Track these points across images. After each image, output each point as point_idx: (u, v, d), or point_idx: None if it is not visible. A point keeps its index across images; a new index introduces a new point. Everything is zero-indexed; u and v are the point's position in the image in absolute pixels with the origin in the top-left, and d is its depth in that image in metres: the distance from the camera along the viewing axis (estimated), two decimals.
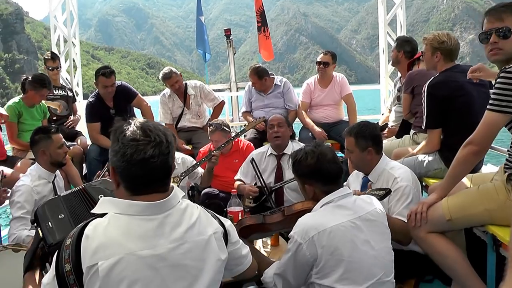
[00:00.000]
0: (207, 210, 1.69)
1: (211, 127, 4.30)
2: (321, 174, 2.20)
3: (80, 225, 1.46)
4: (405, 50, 4.60)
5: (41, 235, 1.76)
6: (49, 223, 1.76)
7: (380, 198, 2.49)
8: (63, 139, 3.54)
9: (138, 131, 1.47)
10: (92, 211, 1.52)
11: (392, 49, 4.80)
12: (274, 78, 5.51)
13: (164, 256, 1.45)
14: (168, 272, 1.45)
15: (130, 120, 1.53)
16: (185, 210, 1.56)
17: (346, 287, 2.00)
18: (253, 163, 3.85)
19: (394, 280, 2.18)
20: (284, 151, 3.91)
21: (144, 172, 1.46)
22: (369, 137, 2.91)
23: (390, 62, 5.10)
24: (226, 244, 1.67)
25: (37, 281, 1.69)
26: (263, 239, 3.09)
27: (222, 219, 1.72)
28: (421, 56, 4.08)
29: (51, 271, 1.44)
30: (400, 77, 4.81)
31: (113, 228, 1.42)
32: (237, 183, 3.99)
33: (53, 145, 3.39)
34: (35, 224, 1.84)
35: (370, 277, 2.04)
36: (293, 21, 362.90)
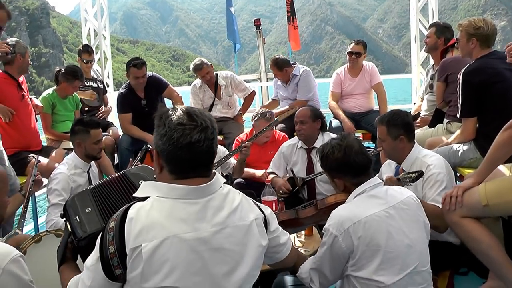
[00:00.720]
0: (248, 197, 1.70)
1: (257, 116, 4.38)
2: (349, 166, 2.18)
3: (122, 208, 1.49)
4: (446, 37, 4.49)
5: (69, 229, 1.78)
6: (77, 217, 1.78)
7: (413, 180, 2.48)
8: (101, 135, 3.57)
9: (184, 115, 1.49)
10: (134, 195, 1.55)
11: (428, 35, 4.66)
12: (295, 68, 5.46)
13: (206, 240, 1.46)
14: (209, 256, 1.47)
15: (176, 106, 1.55)
16: (227, 195, 1.57)
17: (382, 278, 1.98)
18: (292, 171, 3.80)
19: (430, 270, 2.15)
20: (314, 145, 3.87)
21: (189, 156, 1.48)
22: (401, 125, 2.89)
23: (424, 49, 4.97)
24: (266, 231, 1.67)
25: (71, 272, 1.72)
26: None
27: (263, 207, 1.73)
28: (456, 43, 3.98)
29: (95, 253, 1.47)
30: (433, 65, 4.71)
31: (156, 211, 1.44)
32: (271, 176, 3.99)
33: (90, 140, 3.43)
34: (64, 219, 1.86)
35: (406, 267, 2.01)
36: (318, 11, 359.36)
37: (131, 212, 1.44)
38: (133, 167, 3.23)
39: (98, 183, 2.01)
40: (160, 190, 1.50)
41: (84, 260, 1.71)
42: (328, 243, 2.04)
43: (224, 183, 1.62)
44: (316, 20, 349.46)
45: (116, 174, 2.00)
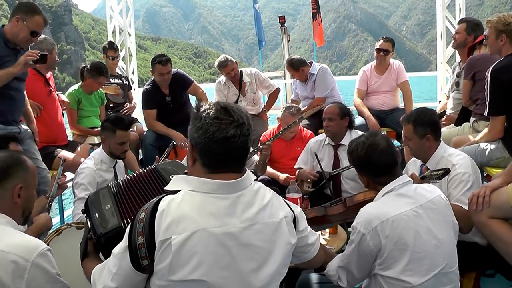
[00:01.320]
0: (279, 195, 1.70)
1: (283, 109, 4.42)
2: (369, 166, 2.19)
3: (153, 199, 1.50)
4: (476, 34, 4.39)
5: (89, 226, 1.80)
6: (96, 214, 1.80)
7: (439, 178, 2.46)
8: (128, 138, 3.60)
9: (222, 110, 1.51)
10: (165, 188, 1.56)
11: (457, 31, 4.56)
12: (312, 66, 5.43)
13: (235, 235, 1.47)
14: (238, 251, 1.47)
15: (215, 101, 1.57)
16: (257, 192, 1.58)
17: (409, 278, 1.97)
18: (317, 157, 3.82)
19: (458, 272, 2.12)
20: (342, 142, 3.87)
21: (224, 151, 1.50)
22: (427, 123, 2.85)
23: (452, 45, 4.85)
24: (295, 230, 1.67)
25: (94, 263, 1.73)
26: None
27: (292, 205, 1.72)
28: (484, 40, 3.90)
29: (124, 242, 1.49)
30: (460, 62, 4.63)
31: (187, 204, 1.46)
32: (298, 171, 4.01)
33: (114, 139, 3.46)
34: (85, 214, 1.89)
35: (434, 268, 2.00)
36: (341, 7, 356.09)
37: (162, 205, 1.46)
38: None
39: (125, 179, 2.03)
40: (191, 184, 1.51)
41: (104, 256, 1.73)
42: (356, 241, 2.04)
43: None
44: (339, 17, 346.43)
45: (147, 168, 2.02)
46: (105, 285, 1.51)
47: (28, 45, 3.52)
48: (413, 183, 2.22)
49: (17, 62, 3.30)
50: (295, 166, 4.11)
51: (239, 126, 1.50)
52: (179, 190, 1.51)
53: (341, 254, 2.17)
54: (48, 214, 3.08)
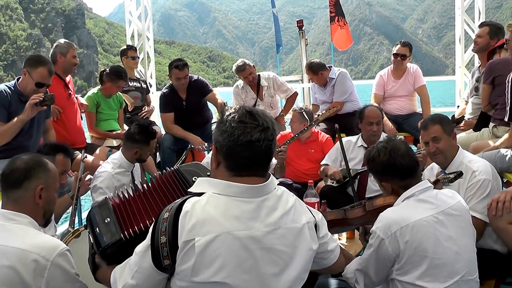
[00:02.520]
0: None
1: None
2: (395, 169, 2.15)
3: (177, 200, 1.52)
4: (499, 38, 4.34)
5: (91, 241, 1.80)
6: (97, 228, 1.79)
7: (451, 181, 2.44)
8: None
9: (247, 114, 1.53)
10: (189, 190, 1.58)
11: (479, 35, 4.50)
12: (331, 71, 5.41)
13: (259, 239, 1.48)
14: (260, 255, 1.48)
15: (240, 105, 1.60)
16: (281, 197, 1.59)
17: (428, 284, 1.96)
18: (343, 152, 3.74)
19: (478, 280, 2.10)
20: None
21: (248, 154, 1.51)
22: (450, 121, 2.91)
23: (472, 49, 4.80)
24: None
25: (109, 271, 1.72)
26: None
27: (314, 211, 1.73)
28: (505, 44, 3.86)
29: (146, 240, 1.51)
30: (479, 67, 4.58)
31: (211, 206, 1.47)
32: (323, 167, 4.01)
33: (147, 149, 3.54)
34: (88, 230, 1.88)
35: (453, 275, 1.98)
36: (357, 11, 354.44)
37: (187, 206, 1.47)
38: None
39: (139, 183, 2.00)
40: (216, 187, 1.52)
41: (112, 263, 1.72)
42: (375, 246, 2.03)
43: None
44: (354, 20, 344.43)
45: (169, 170, 2.02)
46: (126, 282, 1.53)
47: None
48: None
49: (24, 109, 3.42)
50: (322, 163, 4.09)
51: (264, 130, 1.52)
52: (203, 192, 1.52)
53: (359, 257, 2.17)
54: (75, 214, 3.14)
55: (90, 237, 1.82)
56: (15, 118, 3.45)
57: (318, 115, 4.55)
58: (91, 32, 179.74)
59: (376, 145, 2.26)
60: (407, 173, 2.15)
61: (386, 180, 2.23)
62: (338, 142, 3.99)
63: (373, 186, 3.73)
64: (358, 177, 3.82)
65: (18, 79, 3.63)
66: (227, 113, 1.55)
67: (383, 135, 3.85)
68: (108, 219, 1.81)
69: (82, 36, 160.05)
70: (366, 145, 3.90)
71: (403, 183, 2.15)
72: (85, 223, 2.21)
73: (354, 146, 3.98)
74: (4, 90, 3.53)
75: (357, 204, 2.56)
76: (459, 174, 2.44)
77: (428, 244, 1.96)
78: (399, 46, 5.25)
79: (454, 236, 2.02)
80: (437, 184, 2.47)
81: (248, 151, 1.51)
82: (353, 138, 4.06)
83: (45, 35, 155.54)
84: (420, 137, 3.02)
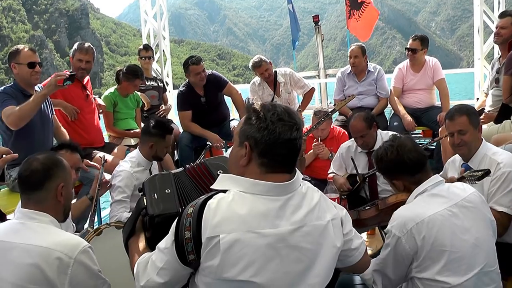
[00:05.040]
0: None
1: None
2: (405, 165, 2.16)
3: (203, 196, 1.52)
4: None
5: (144, 204, 1.81)
6: (155, 194, 1.81)
7: (478, 179, 2.39)
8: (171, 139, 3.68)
9: (285, 113, 1.55)
10: (212, 187, 1.58)
11: (503, 26, 4.41)
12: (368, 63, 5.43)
13: (285, 237, 1.48)
14: (287, 253, 1.48)
15: (274, 103, 1.60)
16: (306, 194, 1.58)
17: (447, 279, 1.94)
18: (352, 159, 3.78)
19: (499, 271, 2.07)
20: (374, 148, 3.78)
21: (286, 151, 1.53)
22: (476, 113, 2.86)
23: (495, 40, 4.68)
24: None
25: (141, 247, 1.76)
26: None
27: (338, 207, 1.73)
28: None
29: (170, 236, 1.51)
30: (499, 58, 4.51)
31: (238, 204, 1.47)
32: (331, 175, 3.98)
33: (163, 144, 3.52)
34: (141, 193, 1.89)
35: (473, 267, 1.96)
36: None
37: (212, 202, 1.47)
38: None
39: (181, 169, 2.02)
40: (242, 185, 1.52)
41: (151, 237, 1.75)
42: (392, 245, 2.02)
43: None
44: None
45: (197, 162, 2.03)
46: (150, 278, 1.53)
47: (37, 77, 3.68)
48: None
49: (48, 83, 3.52)
50: (329, 171, 4.07)
51: (299, 129, 1.56)
52: (226, 190, 1.52)
53: (376, 257, 2.15)
54: (95, 215, 3.17)
55: (144, 200, 1.83)
56: (37, 93, 3.56)
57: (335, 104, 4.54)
58: (95, 32, 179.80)
59: (383, 145, 2.27)
60: (417, 167, 2.15)
61: (397, 177, 2.23)
62: (339, 150, 4.02)
63: (384, 186, 3.71)
64: (367, 180, 3.78)
65: (14, 80, 3.70)
66: (263, 110, 1.54)
67: (385, 134, 3.80)
68: (169, 190, 1.84)
69: (86, 36, 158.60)
70: (366, 150, 3.85)
71: (414, 178, 2.15)
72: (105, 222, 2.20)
73: (355, 153, 3.91)
74: (9, 87, 3.64)
75: (370, 204, 2.55)
76: (487, 173, 2.39)
77: (445, 238, 1.95)
78: (410, 40, 5.24)
79: (470, 228, 2.00)
80: (462, 181, 2.44)
81: (287, 148, 1.53)
82: (352, 145, 3.95)
83: (48, 36, 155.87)
84: (445, 126, 2.95)
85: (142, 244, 1.78)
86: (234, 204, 1.47)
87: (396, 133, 3.48)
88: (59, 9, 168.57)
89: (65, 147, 3.17)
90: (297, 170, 1.62)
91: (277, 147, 1.51)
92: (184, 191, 1.86)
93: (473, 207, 2.07)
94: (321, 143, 4.05)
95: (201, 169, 1.96)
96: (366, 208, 2.56)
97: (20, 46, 3.70)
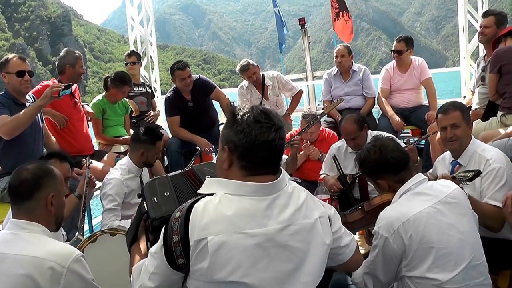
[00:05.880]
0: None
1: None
2: (388, 164, 2.20)
3: (190, 200, 1.52)
4: (505, 27, 4.32)
5: (145, 209, 1.82)
6: (155, 198, 1.82)
7: (470, 180, 2.42)
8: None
9: (262, 114, 1.54)
10: (199, 191, 1.58)
11: (486, 25, 4.47)
12: (353, 64, 5.48)
13: (273, 236, 1.48)
14: (275, 252, 1.49)
15: (251, 106, 1.60)
16: (292, 193, 1.59)
17: (437, 275, 1.96)
18: (335, 160, 3.82)
19: (486, 264, 2.10)
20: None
21: (264, 154, 1.53)
22: (468, 110, 2.92)
23: (479, 39, 4.74)
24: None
25: (143, 251, 1.77)
26: None
27: (327, 206, 1.74)
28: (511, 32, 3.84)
29: (159, 241, 1.51)
30: (485, 56, 4.57)
31: (224, 206, 1.47)
32: (322, 175, 3.99)
33: (154, 151, 3.52)
34: (141, 198, 1.91)
35: (461, 262, 1.98)
36: (353, 6, 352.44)
37: (199, 205, 1.48)
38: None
39: (175, 173, 2.04)
40: (227, 187, 1.52)
41: (154, 240, 1.74)
42: (380, 246, 2.03)
43: None
44: (351, 16, 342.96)
45: (184, 169, 2.04)
46: (142, 283, 1.53)
47: (27, 86, 3.69)
48: None
49: (43, 94, 3.50)
50: (320, 173, 4.08)
51: (278, 129, 1.54)
52: (213, 193, 1.53)
53: (365, 260, 2.14)
54: (84, 222, 3.14)
55: (144, 205, 1.84)
56: (33, 104, 3.57)
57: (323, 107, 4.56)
58: (78, 39, 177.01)
59: (365, 147, 2.33)
60: (400, 166, 2.20)
61: (381, 177, 2.26)
62: (330, 151, 4.03)
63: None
64: (357, 181, 3.79)
65: (5, 89, 3.69)
66: (240, 113, 1.55)
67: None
68: (168, 192, 1.86)
69: (69, 43, 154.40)
70: (356, 151, 3.84)
71: (398, 177, 2.19)
72: (96, 229, 2.21)
73: (345, 153, 3.93)
74: (1, 96, 3.63)
75: (355, 207, 2.57)
76: (478, 174, 2.42)
77: (432, 235, 1.97)
78: (395, 42, 5.29)
79: (455, 224, 2.03)
80: (454, 181, 2.46)
81: (265, 150, 1.52)
82: (342, 145, 3.97)
83: (29, 44, 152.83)
84: (437, 121, 2.97)
85: (143, 248, 1.79)
86: (221, 206, 1.47)
87: (382, 133, 3.53)
88: (40, 16, 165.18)
89: (54, 156, 3.14)
90: (283, 170, 1.63)
91: (254, 150, 1.51)
92: (182, 193, 1.87)
93: (456, 203, 2.10)
94: (311, 144, 4.07)
95: (190, 175, 1.97)
96: (352, 211, 2.57)
97: (10, 55, 3.70)
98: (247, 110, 1.55)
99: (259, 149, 1.51)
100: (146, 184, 1.97)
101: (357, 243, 1.90)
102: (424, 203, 2.03)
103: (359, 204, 2.55)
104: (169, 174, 2.00)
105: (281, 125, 1.57)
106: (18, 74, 3.59)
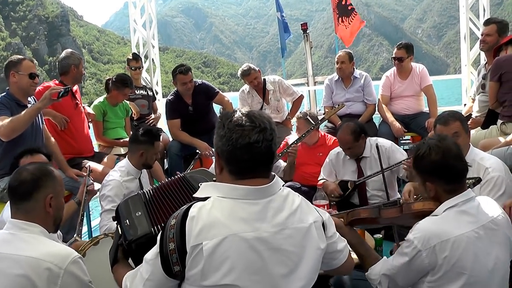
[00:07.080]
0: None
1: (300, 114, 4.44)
2: (446, 171, 2.02)
3: (184, 206, 1.53)
4: (506, 35, 4.34)
5: (119, 233, 1.83)
6: (127, 220, 1.82)
7: (469, 187, 2.39)
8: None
9: (243, 117, 1.53)
10: (194, 195, 1.59)
11: (488, 33, 4.47)
12: (354, 70, 5.49)
13: (267, 240, 1.48)
14: (269, 256, 1.49)
15: (237, 109, 1.59)
16: (286, 197, 1.60)
17: None
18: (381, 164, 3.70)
19: None
20: (363, 155, 3.83)
21: (248, 157, 1.51)
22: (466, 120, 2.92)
23: (481, 47, 4.74)
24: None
25: (125, 269, 1.77)
26: None
27: (320, 211, 1.73)
28: None
29: (155, 248, 1.51)
30: (485, 64, 4.58)
31: (217, 210, 1.48)
32: (322, 181, 4.00)
33: (152, 151, 3.53)
34: (116, 222, 1.91)
35: None
36: None
37: (193, 211, 1.48)
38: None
39: (154, 186, 2.06)
40: (221, 191, 1.53)
41: (134, 262, 1.75)
42: (410, 256, 1.95)
43: None
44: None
45: (177, 177, 2.05)
46: None
47: (35, 88, 3.71)
48: None
49: (42, 97, 3.48)
50: (319, 178, 4.09)
51: (262, 131, 1.52)
52: (208, 197, 1.53)
53: (387, 260, 2.11)
54: (82, 224, 3.15)
55: (119, 228, 1.84)
56: (32, 106, 3.56)
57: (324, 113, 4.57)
58: (76, 40, 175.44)
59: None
60: (456, 177, 2.05)
61: (432, 180, 2.07)
62: (328, 157, 4.04)
63: (372, 192, 3.78)
64: (357, 189, 3.81)
65: (7, 89, 3.69)
66: (224, 117, 1.56)
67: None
68: (139, 212, 1.84)
69: (66, 44, 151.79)
70: (355, 158, 3.88)
71: (449, 187, 2.03)
72: (95, 231, 2.22)
73: (344, 159, 3.93)
74: (3, 97, 3.62)
75: (392, 204, 2.47)
76: (478, 181, 2.36)
77: (467, 261, 1.90)
78: (395, 49, 5.29)
79: (491, 252, 1.95)
80: None
81: (248, 153, 1.51)
82: (341, 152, 3.94)
83: (26, 44, 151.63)
84: (436, 131, 2.96)
85: (126, 269, 1.77)
86: (214, 210, 1.48)
87: (383, 140, 3.49)
88: (38, 15, 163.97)
89: (25, 153, 3.07)
90: (275, 175, 1.63)
91: (237, 153, 1.51)
92: (156, 208, 1.87)
93: (498, 230, 2.01)
94: (297, 145, 4.09)
95: (181, 182, 1.98)
96: (388, 207, 2.47)
97: (20, 56, 3.70)
98: (230, 114, 1.56)
99: (241, 152, 1.50)
100: (120, 204, 1.95)
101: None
102: (467, 226, 1.94)
103: (396, 202, 2.36)
104: (141, 191, 2.02)
105: (265, 126, 1.53)
106: (31, 76, 3.60)
